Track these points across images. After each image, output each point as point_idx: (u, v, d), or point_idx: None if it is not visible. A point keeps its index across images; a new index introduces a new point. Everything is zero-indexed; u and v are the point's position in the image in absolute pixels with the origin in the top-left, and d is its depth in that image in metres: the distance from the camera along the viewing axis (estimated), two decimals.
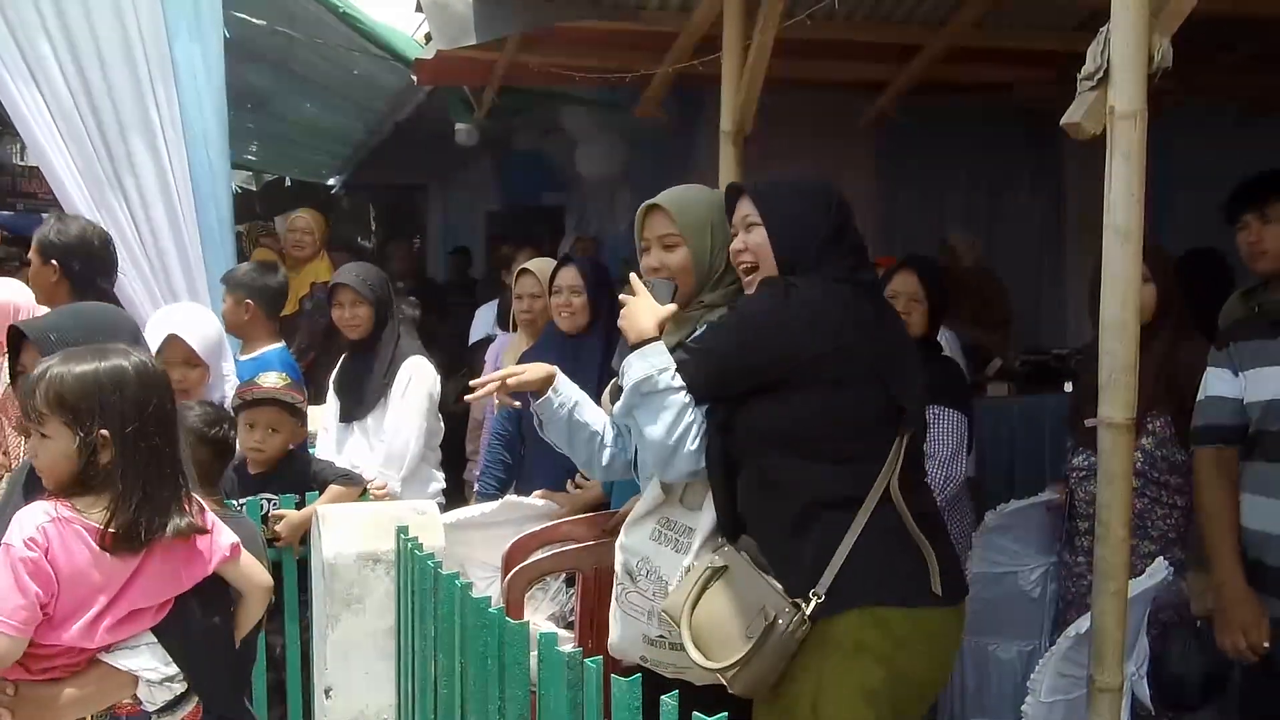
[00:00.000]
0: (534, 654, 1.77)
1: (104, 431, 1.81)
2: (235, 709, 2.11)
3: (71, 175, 4.24)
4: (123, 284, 4.35)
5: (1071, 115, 2.09)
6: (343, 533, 2.60)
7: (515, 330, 4.16)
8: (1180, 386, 2.79)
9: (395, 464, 3.45)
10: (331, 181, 11.99)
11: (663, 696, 1.52)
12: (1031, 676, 2.33)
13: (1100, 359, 2.10)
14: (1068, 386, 4.20)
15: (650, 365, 2.11)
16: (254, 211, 8.92)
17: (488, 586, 3.03)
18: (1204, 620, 2.87)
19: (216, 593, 2.00)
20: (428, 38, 4.70)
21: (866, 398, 2.01)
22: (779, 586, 1.96)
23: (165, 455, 1.88)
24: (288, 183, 11.52)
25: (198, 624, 1.94)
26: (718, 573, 2.02)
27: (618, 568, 2.27)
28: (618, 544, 2.28)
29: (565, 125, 6.16)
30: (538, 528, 2.86)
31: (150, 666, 1.89)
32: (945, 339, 3.75)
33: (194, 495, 1.95)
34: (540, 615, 2.86)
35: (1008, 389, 4.77)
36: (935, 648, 2.04)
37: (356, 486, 3.08)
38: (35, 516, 1.80)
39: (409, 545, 2.43)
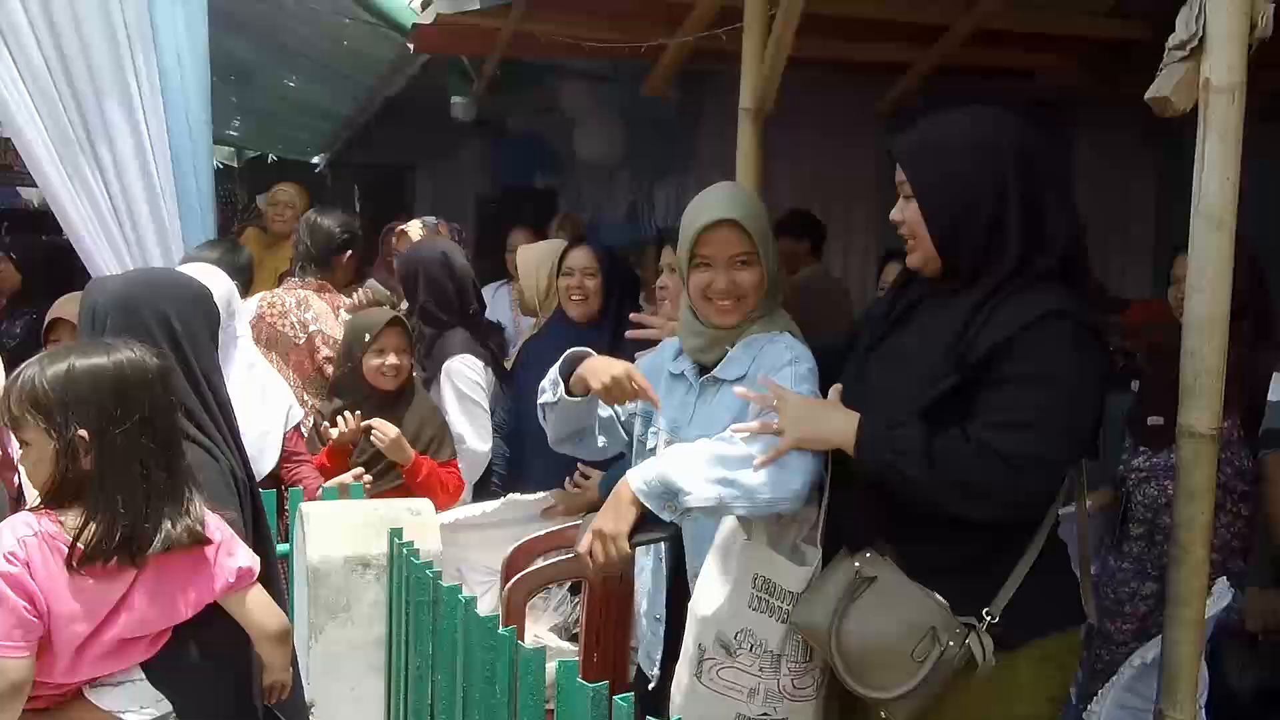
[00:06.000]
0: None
1: (81, 433, 1.65)
2: None
3: (43, 142, 3.98)
4: (94, 257, 4.11)
5: (1158, 89, 1.87)
6: (329, 533, 2.38)
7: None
8: (1253, 388, 2.64)
9: None
10: (315, 160, 11.67)
11: None
12: (1089, 708, 2.13)
13: (1183, 360, 1.89)
14: (1135, 385, 3.93)
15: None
16: (234, 189, 8.64)
17: (485, 593, 2.80)
18: (1263, 637, 2.69)
19: (226, 626, 1.79)
20: (425, 2, 4.44)
21: None
22: (945, 603, 1.72)
23: (158, 458, 1.71)
24: (270, 160, 11.22)
25: (197, 661, 1.74)
26: (865, 583, 1.75)
27: (704, 642, 1.86)
28: (699, 617, 1.88)
29: (563, 104, 5.89)
30: (542, 531, 2.63)
31: (130, 708, 1.71)
32: None
33: (202, 506, 1.75)
34: (541, 626, 2.64)
35: None
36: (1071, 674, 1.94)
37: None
38: (16, 529, 1.66)
39: (403, 550, 2.20)
